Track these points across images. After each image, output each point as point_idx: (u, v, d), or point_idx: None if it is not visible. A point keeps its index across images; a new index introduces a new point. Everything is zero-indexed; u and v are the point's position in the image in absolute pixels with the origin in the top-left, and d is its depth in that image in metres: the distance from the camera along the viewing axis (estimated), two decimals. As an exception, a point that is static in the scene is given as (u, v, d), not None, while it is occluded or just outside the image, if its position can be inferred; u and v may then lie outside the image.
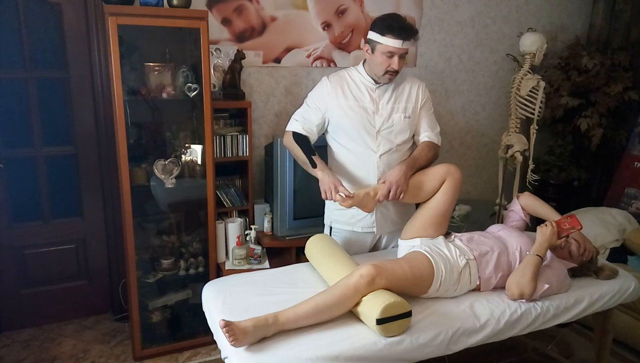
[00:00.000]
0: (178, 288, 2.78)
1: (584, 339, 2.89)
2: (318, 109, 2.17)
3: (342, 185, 2.03)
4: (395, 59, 2.03)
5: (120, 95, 2.31)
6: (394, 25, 2.01)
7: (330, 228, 2.34)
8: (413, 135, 2.26)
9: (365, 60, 2.18)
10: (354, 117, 2.13)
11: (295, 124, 2.20)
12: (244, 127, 2.81)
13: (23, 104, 2.68)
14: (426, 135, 2.24)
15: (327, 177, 2.05)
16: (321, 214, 2.38)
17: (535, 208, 2.25)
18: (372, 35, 2.06)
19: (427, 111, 2.26)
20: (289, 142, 2.20)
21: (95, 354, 2.67)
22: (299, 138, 2.16)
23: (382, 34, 2.01)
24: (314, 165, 2.10)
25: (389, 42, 2.01)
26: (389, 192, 2.04)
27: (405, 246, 2.06)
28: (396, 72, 2.09)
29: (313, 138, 2.20)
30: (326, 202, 2.35)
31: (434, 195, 2.11)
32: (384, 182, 2.06)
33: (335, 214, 2.30)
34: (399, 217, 2.29)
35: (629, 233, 3.01)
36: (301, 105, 2.25)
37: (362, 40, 3.25)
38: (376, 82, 2.15)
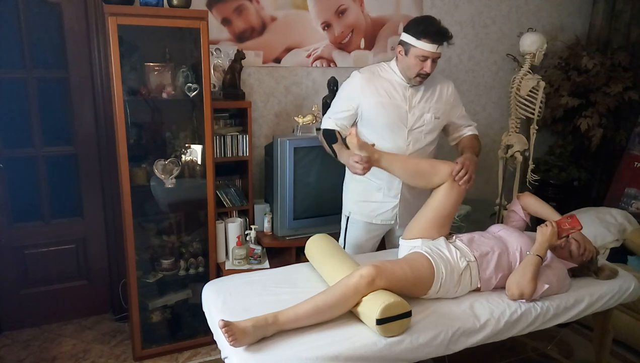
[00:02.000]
0: (178, 288, 2.78)
1: (584, 339, 2.89)
2: (350, 102, 2.18)
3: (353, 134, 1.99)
4: (428, 62, 2.04)
5: (120, 95, 2.31)
6: (431, 29, 2.01)
7: (348, 218, 2.37)
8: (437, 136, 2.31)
9: (397, 59, 2.18)
10: (386, 115, 2.15)
11: (328, 122, 2.22)
12: (244, 127, 2.81)
13: (23, 104, 2.68)
14: (469, 128, 2.34)
15: (345, 152, 2.02)
16: (321, 214, 2.39)
17: (536, 208, 2.25)
18: (407, 38, 2.06)
19: (460, 108, 2.33)
20: (321, 139, 2.24)
21: (95, 354, 2.67)
22: (327, 133, 2.20)
23: (418, 37, 2.01)
24: (335, 155, 2.11)
25: (425, 47, 2.01)
26: (461, 170, 2.00)
27: (407, 246, 2.06)
28: (428, 75, 2.10)
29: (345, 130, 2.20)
30: (345, 193, 2.41)
31: (434, 189, 2.08)
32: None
33: (356, 206, 2.34)
34: (419, 208, 2.27)
35: (629, 233, 3.01)
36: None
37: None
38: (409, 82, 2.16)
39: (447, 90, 2.26)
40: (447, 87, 2.26)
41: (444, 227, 2.08)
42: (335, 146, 2.13)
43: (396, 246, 2.34)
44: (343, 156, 2.05)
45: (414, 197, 2.30)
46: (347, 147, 2.04)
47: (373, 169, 2.13)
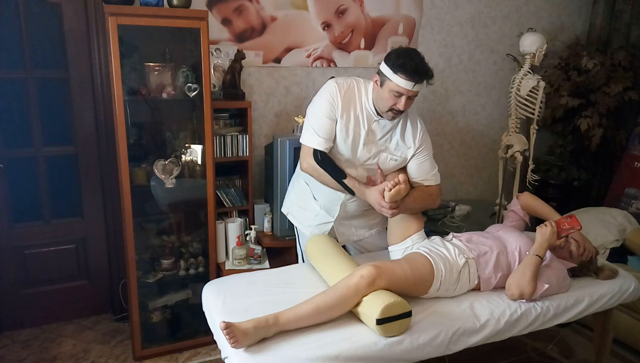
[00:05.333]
0: (178, 288, 2.78)
1: (584, 339, 2.89)
2: (333, 118, 1.98)
3: (386, 184, 1.88)
4: (403, 99, 1.88)
5: (120, 95, 2.31)
6: (409, 65, 1.84)
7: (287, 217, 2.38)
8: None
9: (373, 86, 2.01)
10: (346, 140, 2.00)
11: (316, 140, 1.98)
12: (244, 127, 2.81)
13: (23, 104, 2.68)
14: (419, 180, 2.10)
15: (372, 192, 1.91)
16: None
17: (535, 208, 2.25)
18: (384, 69, 1.89)
19: (422, 159, 2.08)
20: (312, 167, 1.99)
21: (95, 354, 2.67)
22: (323, 161, 1.97)
23: (395, 71, 1.85)
24: (351, 192, 1.96)
25: (400, 82, 1.85)
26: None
27: (399, 249, 2.06)
28: (401, 112, 1.94)
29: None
30: (289, 192, 2.35)
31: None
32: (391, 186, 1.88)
33: (293, 209, 2.32)
34: (361, 227, 2.27)
35: (629, 233, 3.01)
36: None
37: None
38: (378, 114, 2.00)
39: (415, 136, 2.05)
40: (415, 131, 2.06)
41: (419, 214, 2.09)
42: (349, 182, 1.95)
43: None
44: (371, 196, 1.91)
45: (352, 217, 2.22)
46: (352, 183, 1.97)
47: (315, 188, 2.13)
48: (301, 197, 2.26)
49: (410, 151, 2.07)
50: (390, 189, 1.84)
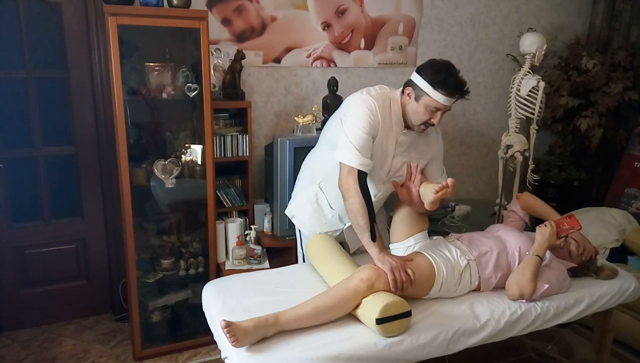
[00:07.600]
0: (178, 288, 2.78)
1: (584, 339, 2.89)
2: (372, 138, 1.90)
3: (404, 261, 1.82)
4: (439, 114, 1.87)
5: (120, 95, 2.31)
6: (450, 81, 1.82)
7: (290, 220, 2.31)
8: None
9: (402, 97, 1.95)
10: (380, 157, 1.97)
11: (359, 159, 1.85)
12: (244, 127, 2.81)
13: (23, 104, 2.68)
14: (435, 182, 2.00)
15: (391, 258, 1.79)
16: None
17: (535, 208, 2.26)
18: (421, 83, 1.85)
19: (438, 161, 2.14)
20: (355, 191, 1.84)
21: (95, 354, 2.67)
22: (363, 188, 1.85)
23: (434, 87, 1.82)
24: (373, 238, 1.83)
25: (440, 99, 1.83)
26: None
27: (401, 248, 2.05)
28: (432, 125, 1.93)
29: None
30: (296, 196, 2.28)
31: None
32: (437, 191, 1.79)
33: (297, 210, 2.23)
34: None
35: (629, 233, 3.01)
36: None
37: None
38: (406, 126, 1.98)
39: (436, 142, 2.09)
40: (434, 137, 2.09)
41: (424, 214, 2.06)
42: (364, 232, 1.83)
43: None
44: (386, 261, 1.77)
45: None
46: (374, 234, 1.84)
47: (332, 196, 2.08)
48: (312, 202, 2.18)
49: (429, 154, 2.09)
50: (437, 192, 1.77)
